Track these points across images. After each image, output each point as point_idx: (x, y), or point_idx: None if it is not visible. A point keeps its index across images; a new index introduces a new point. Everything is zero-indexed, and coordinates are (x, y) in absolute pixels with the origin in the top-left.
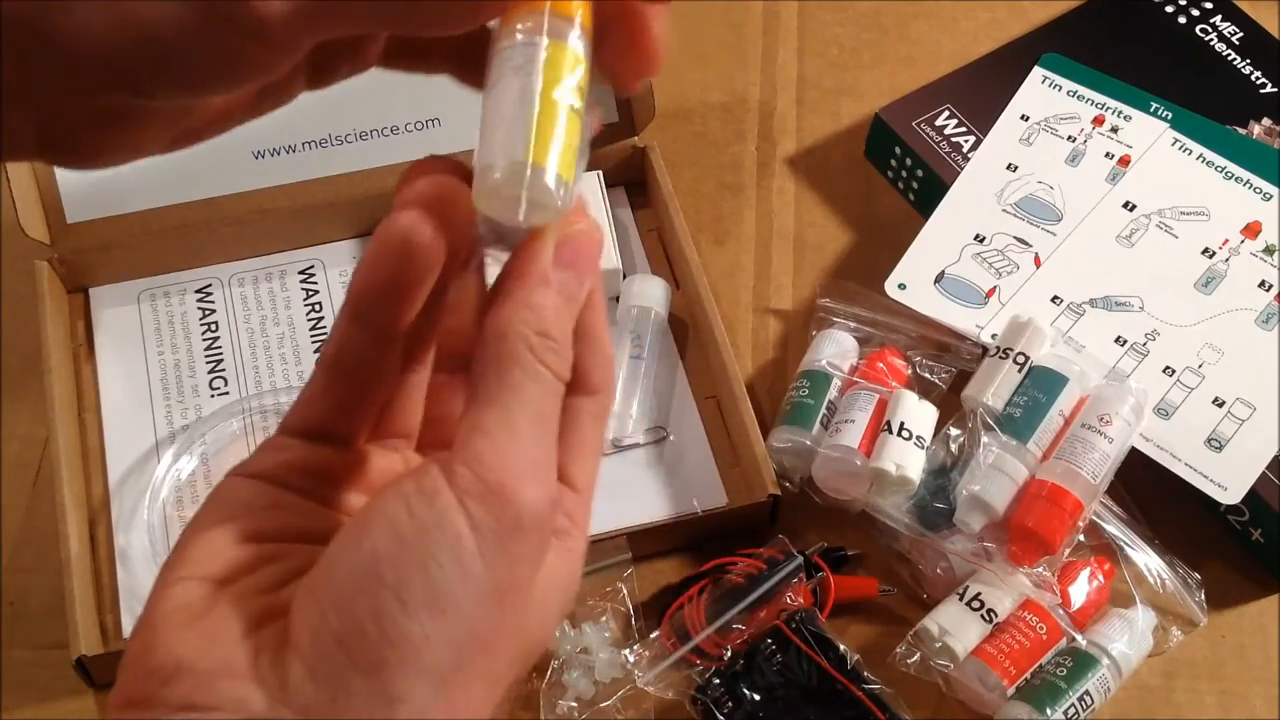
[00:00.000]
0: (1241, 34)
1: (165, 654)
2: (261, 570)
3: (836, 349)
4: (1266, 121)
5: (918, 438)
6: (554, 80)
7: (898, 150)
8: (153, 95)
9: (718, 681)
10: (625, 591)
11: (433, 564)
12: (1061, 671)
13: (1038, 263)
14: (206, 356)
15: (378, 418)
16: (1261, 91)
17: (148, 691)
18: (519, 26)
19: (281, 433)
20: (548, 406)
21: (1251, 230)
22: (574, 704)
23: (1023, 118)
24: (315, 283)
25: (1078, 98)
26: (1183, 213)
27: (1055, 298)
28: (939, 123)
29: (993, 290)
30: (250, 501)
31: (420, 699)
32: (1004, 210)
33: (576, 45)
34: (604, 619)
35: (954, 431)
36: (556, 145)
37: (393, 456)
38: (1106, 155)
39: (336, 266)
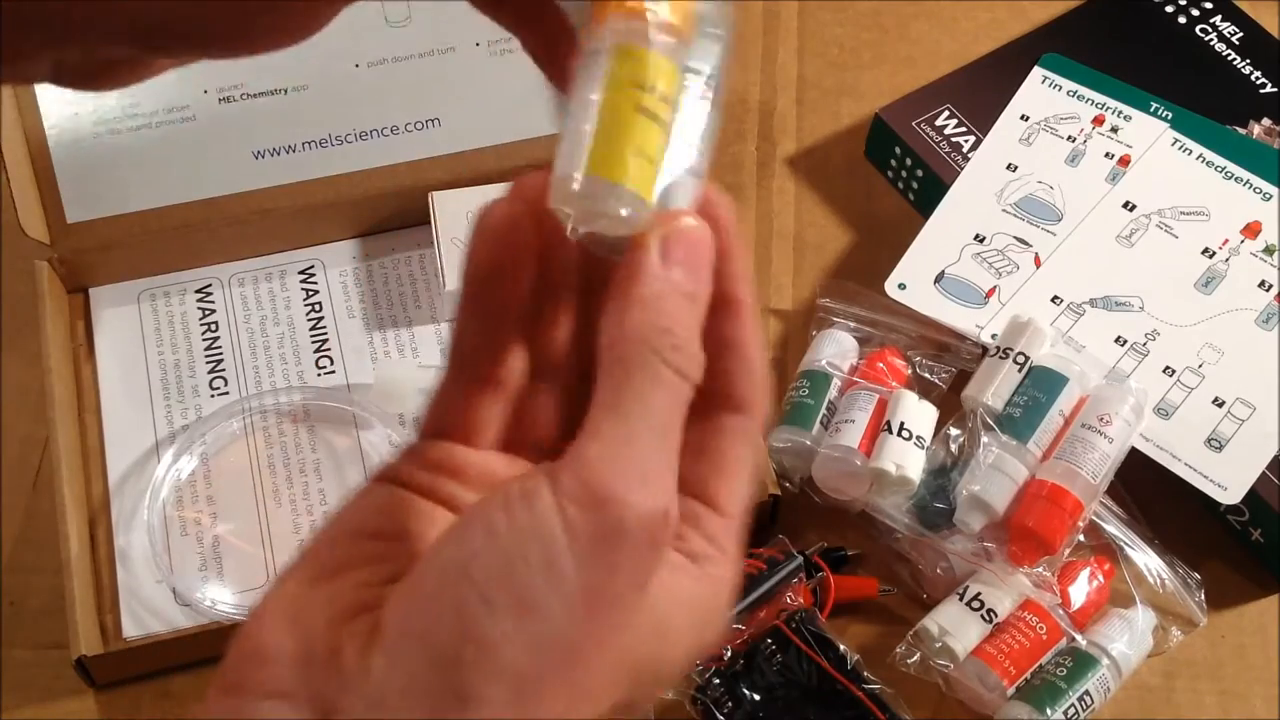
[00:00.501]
0: (1241, 34)
1: (257, 641)
2: (370, 567)
3: (836, 349)
4: (1266, 121)
5: (918, 438)
6: (625, 87)
7: (898, 150)
8: (180, 52)
9: (718, 681)
10: None
11: (521, 564)
12: (1061, 671)
13: (1038, 263)
14: (206, 356)
15: (510, 425)
16: (1261, 91)
17: (240, 677)
18: (603, 30)
19: (418, 435)
20: (670, 412)
21: (1251, 230)
22: None
23: (1023, 118)
24: (315, 283)
25: (1078, 98)
26: (1183, 213)
27: (1055, 298)
28: (939, 123)
29: (993, 290)
30: (374, 503)
31: (495, 702)
32: (1004, 210)
33: (662, 48)
34: None
35: (954, 431)
36: (622, 155)
37: (520, 463)
38: (1106, 155)
39: (336, 266)
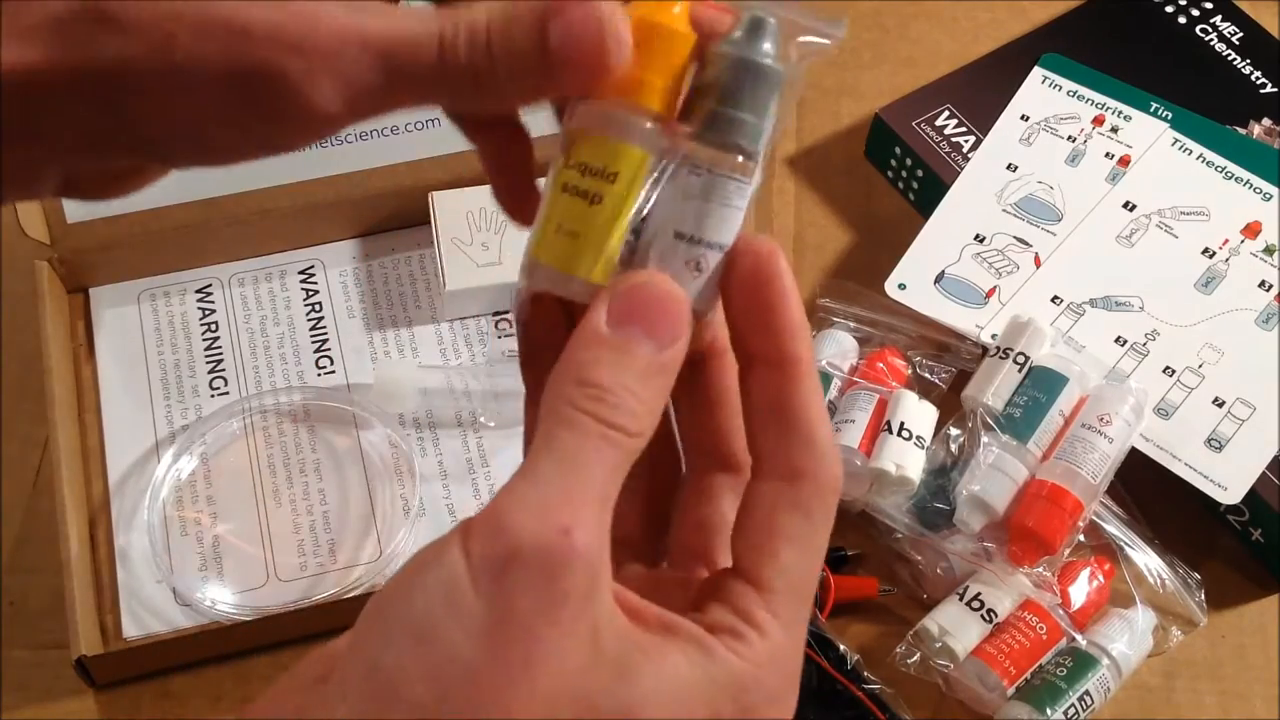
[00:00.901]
0: (1241, 34)
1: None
2: None
3: (836, 349)
4: (1266, 121)
5: (918, 438)
6: (559, 169)
7: (898, 150)
8: (184, 165)
9: None
10: None
11: (421, 594)
12: (1061, 671)
13: (1038, 263)
14: (206, 356)
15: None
16: (1261, 91)
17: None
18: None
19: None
20: (583, 454)
21: (1251, 230)
22: None
23: (1023, 118)
24: (315, 283)
25: (1078, 98)
26: (1183, 213)
27: (1055, 298)
28: (939, 123)
29: (993, 290)
30: None
31: None
32: (1004, 210)
33: (618, 133)
34: None
35: (954, 431)
36: (546, 234)
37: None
38: (1106, 155)
39: (336, 266)
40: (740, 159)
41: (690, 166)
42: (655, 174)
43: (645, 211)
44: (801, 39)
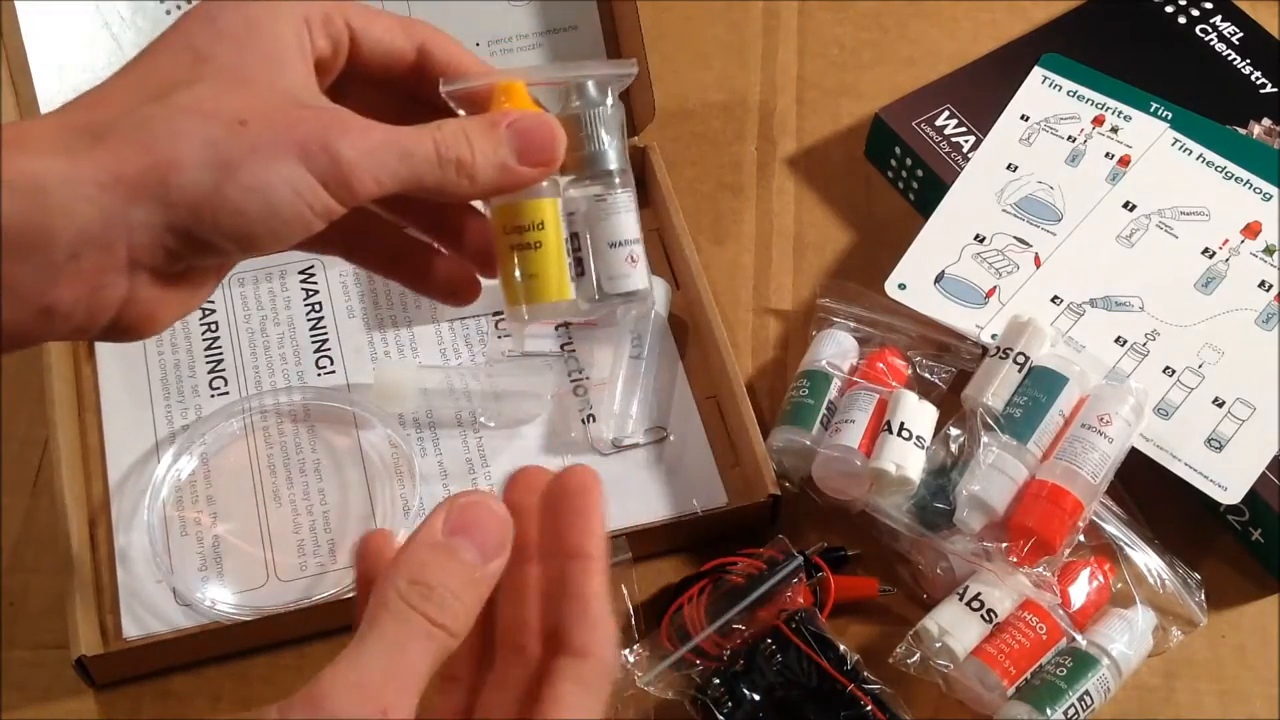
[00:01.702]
0: (1241, 34)
1: None
2: None
3: (836, 349)
4: (1266, 121)
5: (918, 438)
6: (499, 235)
7: (898, 150)
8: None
9: (718, 681)
10: (625, 591)
11: None
12: (1061, 671)
13: (1038, 263)
14: (206, 356)
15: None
16: (1261, 91)
17: None
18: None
19: None
20: (407, 644)
21: (1251, 230)
22: None
23: (1023, 118)
24: (315, 283)
25: (1078, 98)
26: (1183, 213)
27: (1055, 298)
28: (939, 123)
29: (993, 290)
30: None
31: None
32: (1004, 210)
33: (526, 194)
34: None
35: (954, 431)
36: (511, 286)
37: None
38: (1106, 155)
39: (336, 266)
40: (619, 178)
41: (594, 197)
42: (566, 211)
43: (571, 239)
44: (612, 83)
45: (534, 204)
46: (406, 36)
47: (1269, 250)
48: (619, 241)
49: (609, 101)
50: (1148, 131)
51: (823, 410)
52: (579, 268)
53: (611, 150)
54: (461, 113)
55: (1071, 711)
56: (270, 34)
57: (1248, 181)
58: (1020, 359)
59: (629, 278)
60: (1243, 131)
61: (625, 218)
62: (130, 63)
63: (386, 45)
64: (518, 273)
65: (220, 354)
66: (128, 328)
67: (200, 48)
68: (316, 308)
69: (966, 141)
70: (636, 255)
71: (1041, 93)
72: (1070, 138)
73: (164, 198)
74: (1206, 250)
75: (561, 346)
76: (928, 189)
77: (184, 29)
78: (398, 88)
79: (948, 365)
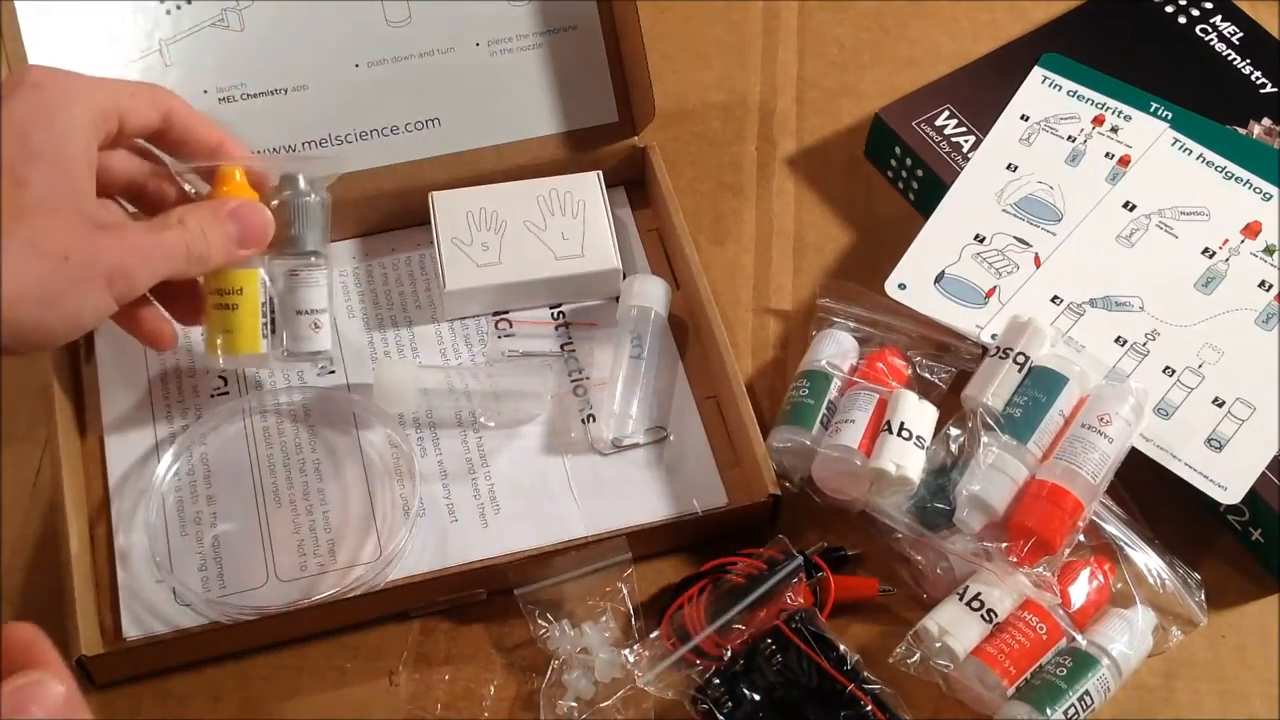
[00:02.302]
0: (1241, 34)
1: None
2: None
3: (836, 349)
4: (1266, 121)
5: (918, 438)
6: (208, 295)
7: (898, 150)
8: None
9: (718, 681)
10: (625, 591)
11: None
12: (1061, 671)
13: (1038, 263)
14: None
15: None
16: (1261, 91)
17: None
18: None
19: None
20: None
21: (1251, 230)
22: (574, 704)
23: (1023, 118)
24: None
25: (1078, 98)
26: (1183, 213)
27: (1055, 298)
28: (939, 123)
29: (993, 290)
30: None
31: None
32: (1004, 210)
33: (231, 264)
34: (604, 619)
35: (954, 431)
36: (212, 339)
37: None
38: (1106, 155)
39: (336, 266)
40: (314, 258)
41: (289, 271)
42: (266, 282)
43: (268, 303)
44: (322, 173)
45: (236, 274)
46: (155, 107)
47: (1269, 250)
48: (305, 310)
49: (313, 198)
50: (1148, 131)
51: (823, 410)
52: (270, 328)
53: (309, 235)
54: (187, 186)
55: (1071, 711)
56: (71, 151)
57: (1248, 181)
58: (1020, 359)
59: (311, 340)
60: (1243, 131)
61: (314, 291)
62: None
63: (145, 120)
64: (218, 327)
65: None
66: None
67: (20, 175)
68: None
69: (966, 141)
70: (320, 323)
71: (1041, 93)
72: (1070, 138)
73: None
74: (1206, 250)
75: (561, 346)
76: (928, 189)
77: (5, 146)
78: (144, 147)
79: (948, 365)
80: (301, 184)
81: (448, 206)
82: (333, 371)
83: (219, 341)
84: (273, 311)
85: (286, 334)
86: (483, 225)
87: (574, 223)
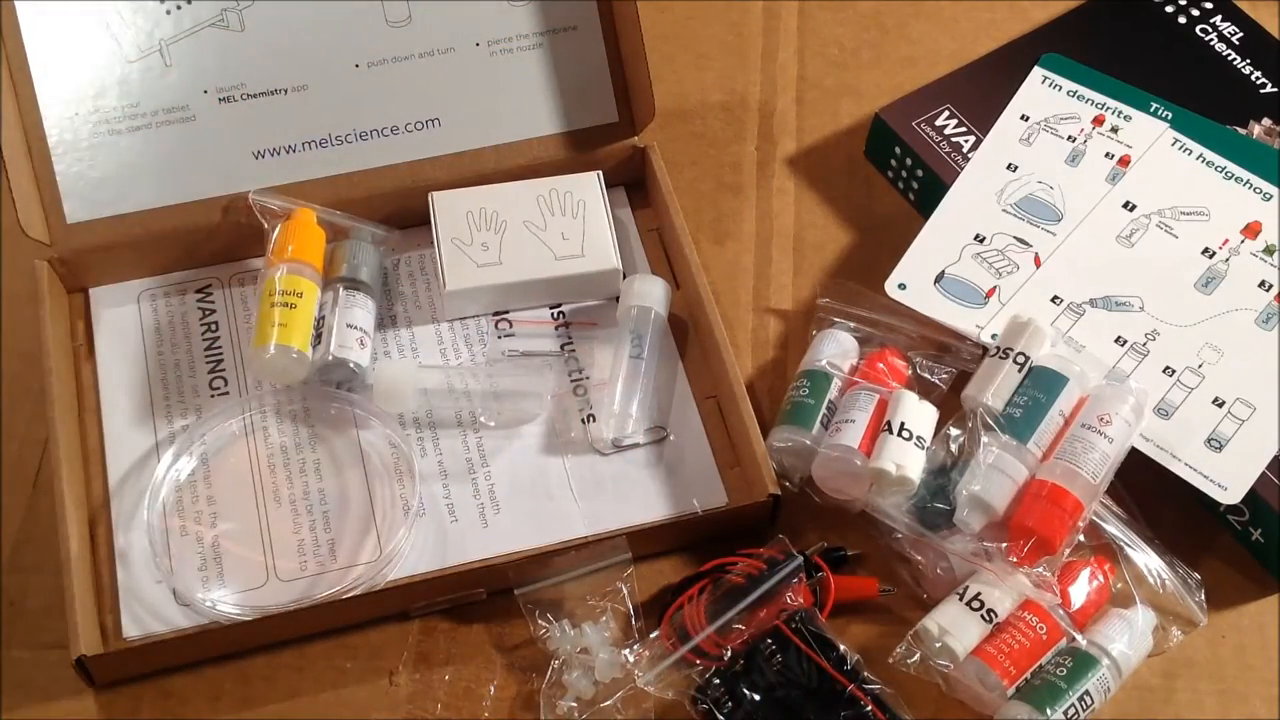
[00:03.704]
0: (1241, 34)
1: None
2: None
3: (837, 349)
4: (1266, 121)
5: (918, 438)
6: (264, 296)
7: (898, 150)
8: None
9: (718, 681)
10: (625, 591)
11: None
12: (1061, 671)
13: (1038, 263)
14: (206, 356)
15: None
16: (1261, 91)
17: None
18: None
19: None
20: None
21: (1251, 230)
22: (574, 704)
23: (1023, 118)
24: None
25: (1078, 98)
26: (1183, 213)
27: (1055, 298)
28: (939, 123)
29: (993, 290)
30: None
31: None
32: (1004, 210)
33: (288, 270)
34: (604, 619)
35: (954, 431)
36: (265, 331)
37: None
38: (1106, 155)
39: None
40: (364, 289)
41: (348, 290)
42: (320, 298)
43: (320, 317)
44: (379, 231)
45: (300, 280)
46: None
47: (1269, 250)
48: (355, 325)
49: (370, 243)
50: (1148, 131)
51: (823, 410)
52: (317, 338)
53: (364, 270)
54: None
55: (1071, 711)
56: None
57: (1248, 181)
58: (1020, 359)
59: (354, 350)
60: (1243, 131)
61: (363, 314)
62: None
63: None
64: (275, 320)
65: (220, 354)
66: None
67: None
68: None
69: (966, 141)
70: (365, 341)
71: (1041, 93)
72: (1070, 138)
73: None
74: (1206, 250)
75: (561, 346)
76: (928, 189)
77: None
78: None
79: (948, 366)
80: (367, 232)
81: (448, 207)
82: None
83: (273, 331)
84: (319, 329)
85: (335, 340)
86: (483, 225)
87: (574, 223)
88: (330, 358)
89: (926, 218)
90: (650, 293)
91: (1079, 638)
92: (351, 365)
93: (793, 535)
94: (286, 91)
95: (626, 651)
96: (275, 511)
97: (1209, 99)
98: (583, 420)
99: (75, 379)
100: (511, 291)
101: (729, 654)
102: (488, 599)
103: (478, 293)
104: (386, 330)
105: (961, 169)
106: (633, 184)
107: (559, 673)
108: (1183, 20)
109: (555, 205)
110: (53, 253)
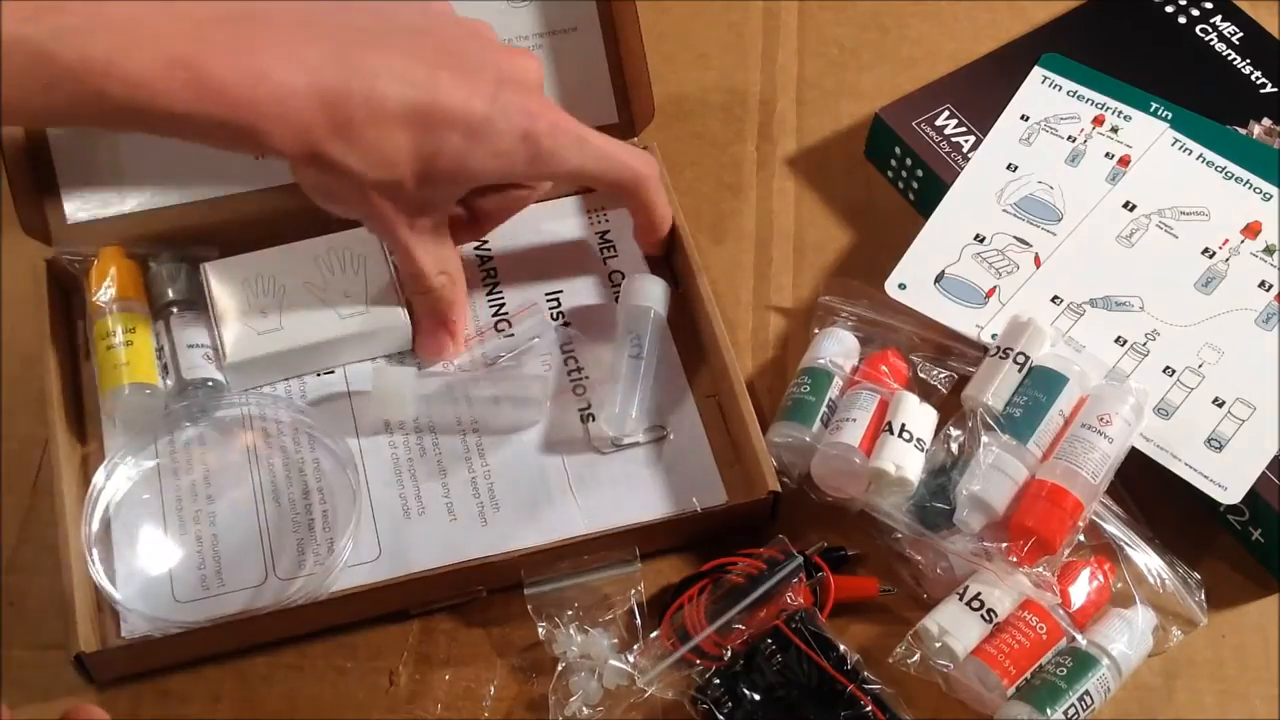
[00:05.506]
0: (1241, 34)
1: None
2: None
3: (839, 347)
4: (1266, 121)
5: (918, 440)
6: (97, 340)
7: (898, 150)
8: None
9: (718, 681)
10: (634, 601)
11: None
12: (1061, 671)
13: (1038, 263)
14: None
15: None
16: (1261, 91)
17: None
18: None
19: None
20: None
21: (1251, 230)
22: (581, 708)
23: (1023, 118)
24: None
25: (1078, 98)
26: (1183, 213)
27: (1055, 298)
28: (939, 123)
29: (993, 290)
30: None
31: None
32: (1004, 210)
33: (117, 308)
34: (611, 625)
35: (954, 431)
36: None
37: None
38: (1106, 155)
39: None
40: (189, 308)
41: (180, 317)
42: (153, 328)
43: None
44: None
45: (116, 316)
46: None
47: (1269, 250)
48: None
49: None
50: (1148, 131)
51: (823, 408)
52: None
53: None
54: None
55: (1071, 711)
56: None
57: (1248, 181)
58: (1020, 359)
59: (203, 368)
60: (1243, 131)
61: (196, 330)
62: None
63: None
64: (106, 367)
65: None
66: None
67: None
68: None
69: (966, 141)
70: (210, 355)
71: (1041, 93)
72: (1070, 138)
73: None
74: (1206, 250)
75: (561, 346)
76: (928, 189)
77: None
78: None
79: (948, 367)
80: (170, 254)
81: (224, 276)
82: (331, 372)
83: (122, 371)
84: (163, 358)
85: (183, 364)
86: (259, 292)
87: (356, 279)
88: (185, 381)
89: (926, 218)
90: (650, 292)
91: (1079, 637)
92: (210, 383)
93: (792, 535)
94: None
95: (628, 654)
96: (275, 511)
97: (1209, 99)
98: (582, 419)
99: (75, 379)
100: (299, 356)
101: (729, 654)
102: (488, 599)
103: (263, 361)
104: None
105: (961, 169)
106: None
107: (565, 677)
108: (1183, 20)
109: (335, 264)
110: (53, 253)
